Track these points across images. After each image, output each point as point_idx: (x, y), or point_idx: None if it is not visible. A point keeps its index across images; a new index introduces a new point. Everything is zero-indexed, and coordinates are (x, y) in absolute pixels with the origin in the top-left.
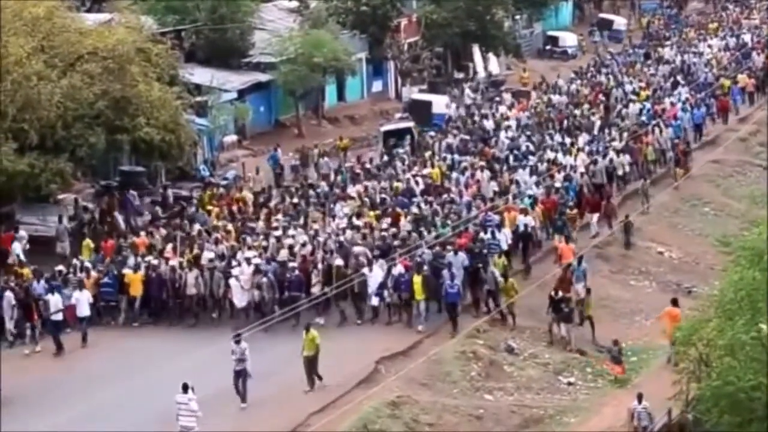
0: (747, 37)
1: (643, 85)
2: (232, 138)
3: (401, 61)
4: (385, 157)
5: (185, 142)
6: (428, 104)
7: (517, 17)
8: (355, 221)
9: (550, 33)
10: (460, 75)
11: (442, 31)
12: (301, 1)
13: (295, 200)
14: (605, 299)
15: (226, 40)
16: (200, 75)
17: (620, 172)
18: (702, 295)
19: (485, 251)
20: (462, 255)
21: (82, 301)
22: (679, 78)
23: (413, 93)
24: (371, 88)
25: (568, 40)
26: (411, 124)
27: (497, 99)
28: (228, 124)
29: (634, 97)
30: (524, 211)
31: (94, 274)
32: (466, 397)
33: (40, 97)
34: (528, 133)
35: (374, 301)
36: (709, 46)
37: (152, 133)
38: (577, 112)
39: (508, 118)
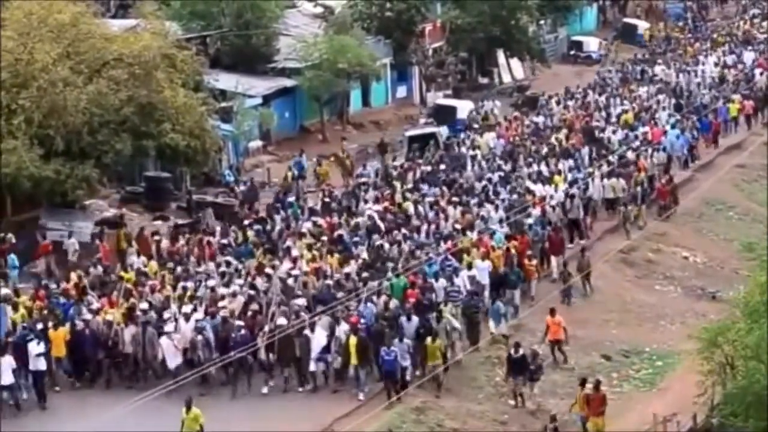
0: (749, 55)
1: (630, 107)
2: (257, 143)
3: (426, 67)
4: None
5: (210, 147)
6: (453, 109)
7: (542, 22)
8: (299, 266)
9: (575, 38)
10: (485, 80)
11: (467, 36)
12: (325, 6)
13: (226, 240)
14: (630, 304)
15: (251, 46)
16: (225, 81)
17: (612, 196)
18: (727, 300)
19: (430, 302)
20: (413, 318)
21: (4, 368)
22: (664, 98)
23: (438, 98)
24: (396, 93)
25: (593, 44)
26: (436, 129)
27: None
28: (253, 129)
29: (616, 121)
30: (486, 254)
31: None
32: (490, 403)
33: (66, 103)
34: (499, 162)
35: (314, 366)
36: (715, 64)
37: (177, 138)
38: (555, 138)
39: (478, 146)
